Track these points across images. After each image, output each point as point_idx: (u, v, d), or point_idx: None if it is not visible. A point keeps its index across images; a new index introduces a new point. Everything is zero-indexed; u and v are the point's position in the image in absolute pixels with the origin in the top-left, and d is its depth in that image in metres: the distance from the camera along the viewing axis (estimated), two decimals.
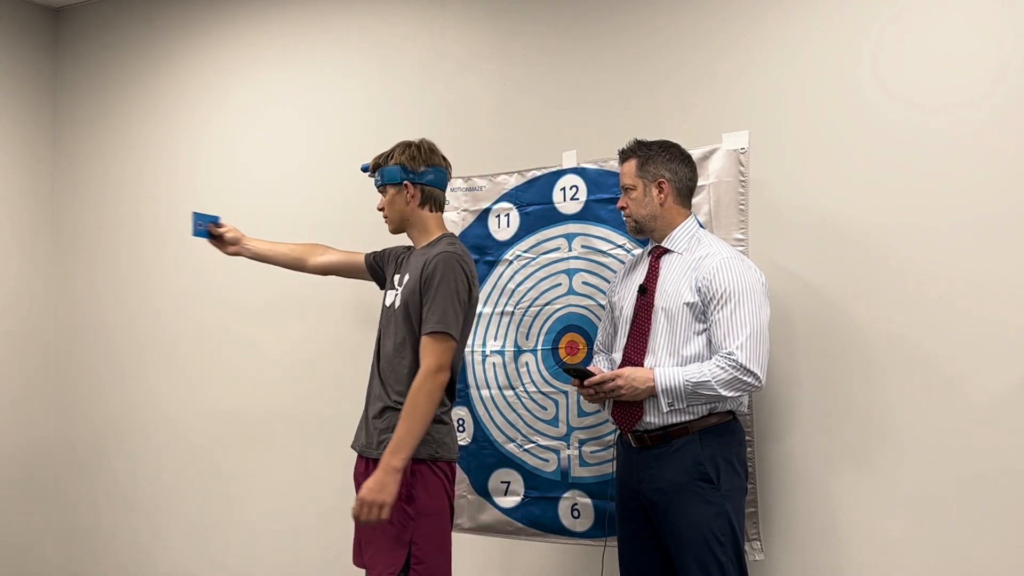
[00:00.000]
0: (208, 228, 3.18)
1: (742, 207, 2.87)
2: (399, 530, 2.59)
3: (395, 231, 2.85)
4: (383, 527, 2.57)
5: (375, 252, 3.03)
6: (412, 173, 2.74)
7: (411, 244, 2.86)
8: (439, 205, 2.81)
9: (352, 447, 2.82)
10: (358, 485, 2.72)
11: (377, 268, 3.02)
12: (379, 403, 2.70)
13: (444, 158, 2.82)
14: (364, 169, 2.89)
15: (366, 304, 3.62)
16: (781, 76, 2.99)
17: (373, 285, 3.09)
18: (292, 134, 3.94)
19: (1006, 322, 2.67)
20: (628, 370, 2.62)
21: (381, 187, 2.80)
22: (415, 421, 2.54)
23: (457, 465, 2.88)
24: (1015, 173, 2.68)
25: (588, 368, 2.77)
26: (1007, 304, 2.67)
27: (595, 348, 2.97)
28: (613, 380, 2.61)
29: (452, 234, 2.83)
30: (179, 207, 4.18)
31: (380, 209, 2.83)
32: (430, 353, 2.58)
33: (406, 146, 2.78)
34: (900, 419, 2.80)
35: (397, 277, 2.81)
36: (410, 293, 2.67)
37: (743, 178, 2.87)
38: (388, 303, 2.79)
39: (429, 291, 2.61)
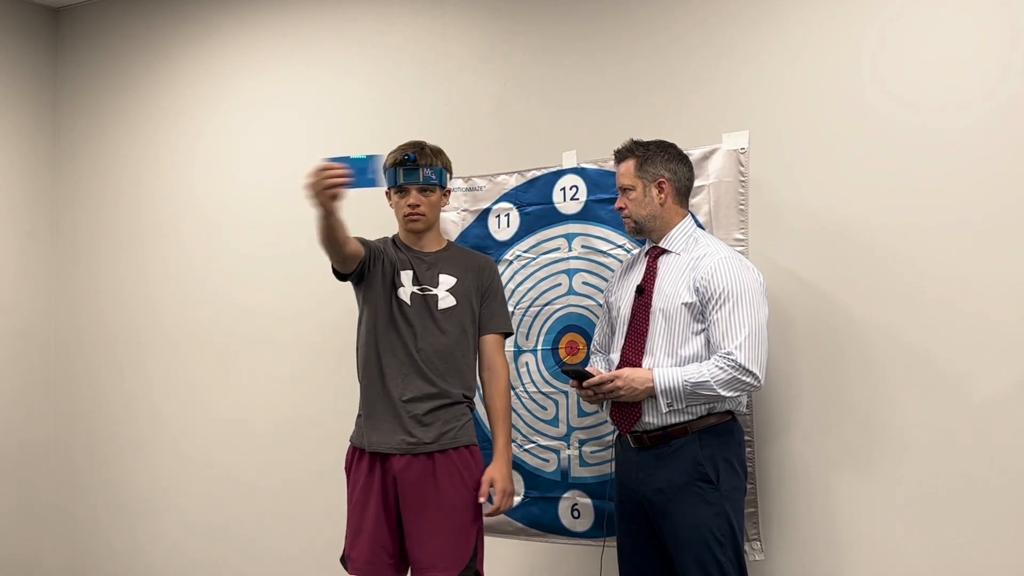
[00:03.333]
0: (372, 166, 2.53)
1: (742, 207, 2.87)
2: (472, 516, 2.68)
3: (424, 230, 2.77)
4: (448, 520, 2.63)
5: (365, 243, 2.79)
6: (449, 178, 2.82)
7: (386, 239, 2.82)
8: None
9: (376, 449, 2.71)
10: (408, 486, 2.66)
11: (367, 259, 2.77)
12: (432, 399, 2.68)
13: None
14: (409, 160, 2.69)
15: None
16: (781, 76, 2.99)
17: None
18: (292, 134, 3.94)
19: (1006, 322, 2.67)
20: (627, 371, 2.62)
21: (432, 186, 2.72)
22: (510, 416, 2.82)
23: None
24: (1015, 173, 2.68)
25: (586, 369, 2.77)
26: (1007, 304, 2.67)
27: (592, 349, 2.97)
28: (612, 381, 2.60)
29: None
30: (179, 207, 4.18)
31: (416, 206, 2.71)
32: (502, 352, 2.83)
33: (439, 150, 2.78)
34: (899, 419, 2.80)
35: (407, 275, 2.74)
36: (471, 293, 2.78)
37: (743, 178, 2.87)
38: (410, 300, 2.71)
39: (494, 295, 2.83)
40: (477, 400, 2.85)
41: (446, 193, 2.82)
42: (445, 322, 2.73)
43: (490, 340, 2.80)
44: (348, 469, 2.82)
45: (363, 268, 2.73)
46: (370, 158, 2.47)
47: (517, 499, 3.15)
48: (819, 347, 2.90)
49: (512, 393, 3.18)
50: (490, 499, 2.73)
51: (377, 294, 2.74)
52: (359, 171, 2.46)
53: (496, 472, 2.71)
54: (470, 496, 2.70)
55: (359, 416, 2.79)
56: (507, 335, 2.87)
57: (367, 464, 2.73)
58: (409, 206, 2.73)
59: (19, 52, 4.44)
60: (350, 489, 2.80)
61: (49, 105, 4.55)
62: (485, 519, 3.19)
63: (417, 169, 2.69)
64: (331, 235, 2.55)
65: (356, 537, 2.73)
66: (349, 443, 2.83)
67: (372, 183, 2.48)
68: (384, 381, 2.71)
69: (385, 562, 2.71)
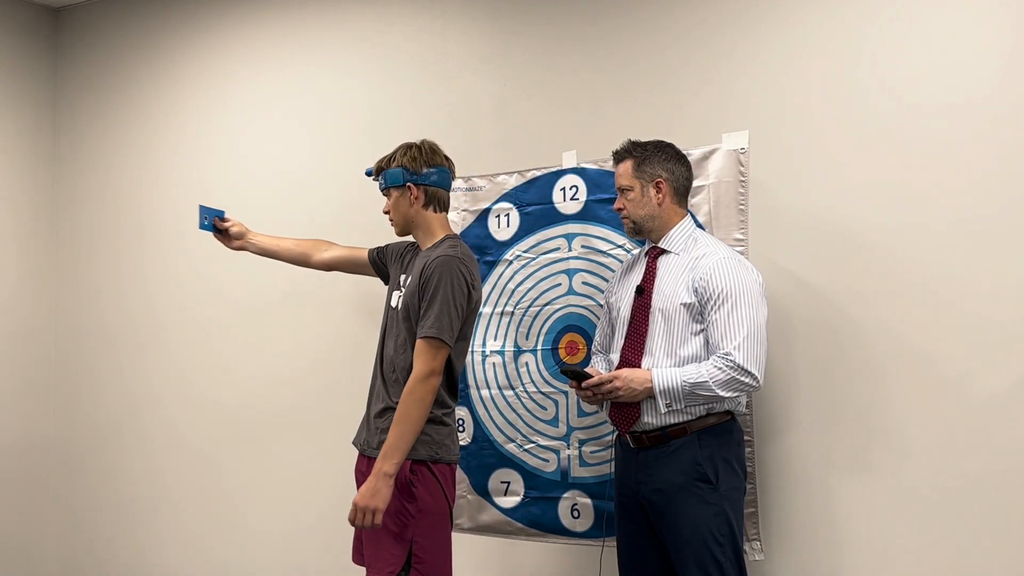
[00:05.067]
0: (214, 222, 3.19)
1: (742, 207, 2.87)
2: (400, 528, 2.60)
3: (401, 233, 2.84)
4: (384, 526, 2.58)
5: (378, 247, 3.04)
6: (414, 174, 2.74)
7: (413, 242, 2.88)
8: (443, 205, 2.81)
9: (353, 443, 2.85)
10: (359, 483, 2.74)
11: (380, 263, 3.02)
12: (380, 403, 2.72)
13: (447, 158, 2.82)
14: (368, 174, 2.89)
15: (367, 303, 3.63)
16: (781, 76, 2.99)
17: (375, 283, 3.10)
18: (293, 134, 3.94)
19: (1005, 321, 2.67)
20: (626, 371, 2.62)
21: (385, 190, 2.80)
22: (406, 426, 2.57)
23: (457, 466, 2.89)
24: (1015, 173, 2.67)
25: (585, 370, 2.77)
26: (1007, 304, 2.67)
27: (593, 349, 2.97)
28: (611, 382, 2.60)
29: (455, 235, 2.82)
30: (179, 207, 4.18)
31: (386, 212, 2.82)
32: (422, 358, 2.59)
33: (407, 147, 2.78)
34: (899, 419, 2.80)
35: (403, 278, 2.81)
36: (410, 295, 2.68)
37: (743, 178, 2.87)
38: (392, 304, 2.80)
39: (426, 294, 2.62)
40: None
41: (408, 187, 2.73)
42: (395, 327, 2.74)
43: (416, 344, 2.61)
44: None
45: (382, 274, 3.02)
46: (200, 208, 3.18)
47: (516, 499, 3.15)
48: (819, 347, 2.90)
49: (512, 393, 3.19)
50: None
51: (386, 300, 2.88)
52: (202, 217, 3.17)
53: (364, 485, 2.58)
54: (401, 505, 2.60)
55: None
56: (432, 339, 2.58)
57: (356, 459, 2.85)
58: (383, 212, 2.85)
59: (19, 52, 4.44)
60: None
61: (49, 105, 4.55)
62: (485, 519, 3.21)
63: (377, 179, 2.83)
64: (275, 259, 3.22)
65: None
66: None
67: (201, 226, 3.19)
68: (370, 383, 2.85)
69: (357, 550, 2.80)
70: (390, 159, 2.79)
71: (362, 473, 2.73)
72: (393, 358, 2.71)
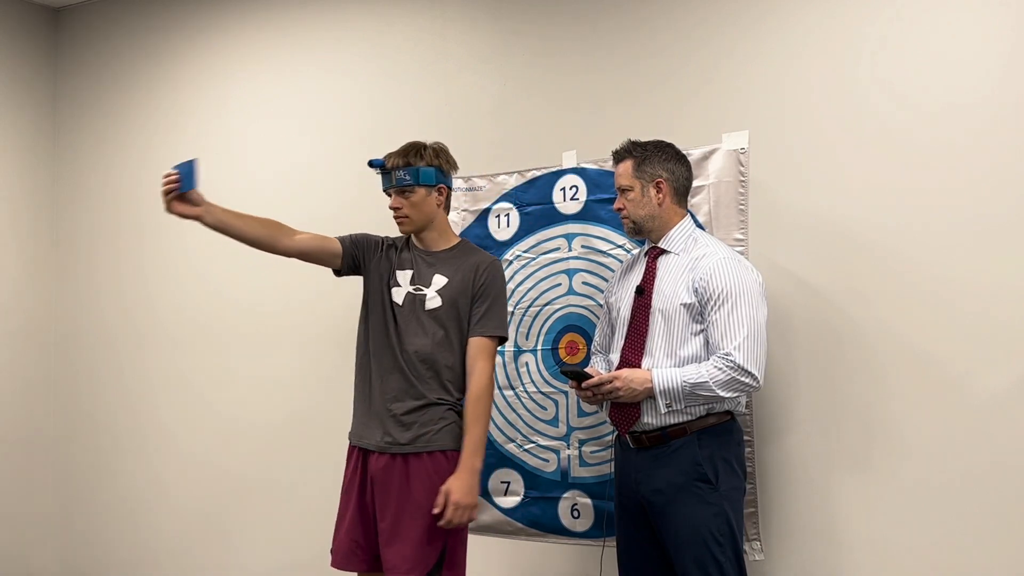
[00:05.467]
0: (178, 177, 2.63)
1: (742, 207, 2.87)
2: (433, 522, 2.61)
3: (413, 231, 2.78)
4: (415, 523, 2.60)
5: (351, 237, 2.85)
6: (447, 177, 2.77)
7: (397, 238, 2.84)
8: (450, 208, 2.86)
9: (360, 444, 2.75)
10: (380, 483, 2.68)
11: (353, 254, 2.83)
12: (413, 400, 2.68)
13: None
14: (376, 164, 2.76)
15: None
16: (781, 76, 2.99)
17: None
18: (292, 134, 3.94)
19: (1006, 322, 2.67)
20: (626, 372, 2.62)
21: (409, 187, 2.71)
22: (486, 424, 2.69)
23: None
24: (1015, 173, 2.68)
25: (585, 370, 2.77)
26: (1007, 304, 2.67)
27: (592, 349, 2.97)
28: (611, 382, 2.60)
29: (467, 239, 2.90)
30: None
31: (396, 208, 2.74)
32: (488, 356, 2.70)
33: (437, 149, 2.76)
34: (899, 419, 2.80)
35: (405, 275, 2.76)
36: (459, 295, 2.71)
37: (743, 178, 2.87)
38: (401, 301, 2.74)
39: (486, 296, 2.71)
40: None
41: (438, 189, 2.74)
42: (430, 324, 2.71)
43: (473, 343, 2.70)
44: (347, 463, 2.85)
45: (353, 264, 2.83)
46: (189, 162, 2.60)
47: (516, 499, 3.15)
48: (819, 347, 2.90)
49: (512, 393, 3.19)
50: None
51: (373, 293, 2.80)
52: (185, 175, 2.59)
53: (453, 483, 2.60)
54: (432, 500, 2.63)
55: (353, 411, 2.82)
56: (497, 339, 2.73)
57: (354, 459, 2.78)
58: (391, 208, 2.76)
59: (19, 52, 4.44)
60: (343, 482, 2.83)
61: (49, 105, 4.56)
62: (485, 519, 3.20)
63: (388, 173, 2.73)
64: (236, 237, 2.72)
65: (338, 529, 2.78)
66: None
67: (191, 186, 2.60)
68: (371, 379, 2.75)
69: (360, 557, 2.73)
70: (418, 155, 2.71)
71: (383, 472, 2.68)
72: (431, 354, 2.69)
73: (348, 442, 2.84)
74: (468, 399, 2.67)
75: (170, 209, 2.62)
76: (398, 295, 2.76)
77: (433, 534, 2.61)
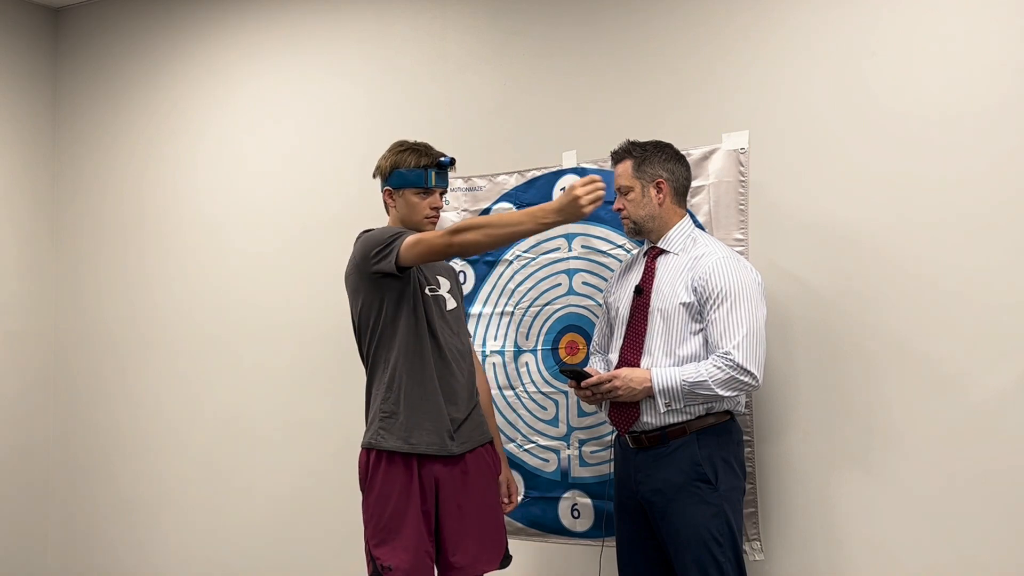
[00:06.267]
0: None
1: (742, 207, 2.87)
2: (500, 511, 2.81)
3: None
4: (486, 516, 2.70)
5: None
6: (383, 179, 2.83)
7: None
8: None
9: (423, 451, 2.61)
10: (450, 486, 2.65)
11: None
12: (474, 397, 2.77)
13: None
14: (450, 163, 2.74)
15: None
16: (781, 76, 2.99)
17: None
18: (292, 134, 3.94)
19: (1005, 321, 2.67)
20: (625, 371, 2.62)
21: (446, 188, 2.78)
22: None
23: None
24: (1015, 173, 2.67)
25: (584, 369, 2.77)
26: (1006, 304, 2.67)
27: (591, 349, 2.97)
28: (610, 381, 2.60)
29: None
30: (179, 207, 4.18)
31: (438, 208, 2.75)
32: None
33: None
34: (899, 418, 2.80)
35: (432, 277, 2.76)
36: (460, 296, 2.85)
37: (743, 178, 2.87)
38: (446, 304, 2.76)
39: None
40: None
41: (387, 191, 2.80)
42: (455, 323, 2.75)
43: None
44: (368, 473, 2.66)
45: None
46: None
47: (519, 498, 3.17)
48: (818, 347, 2.90)
49: (512, 393, 3.19)
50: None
51: (410, 294, 2.64)
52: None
53: (509, 474, 2.92)
54: (498, 490, 2.83)
55: (388, 417, 2.63)
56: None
57: (402, 467, 2.61)
58: (434, 208, 2.73)
59: (19, 52, 4.44)
60: (376, 494, 2.63)
61: (49, 105, 4.56)
62: None
63: (447, 172, 2.74)
64: (514, 240, 2.59)
65: (395, 544, 2.59)
66: (369, 447, 2.67)
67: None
68: (423, 381, 2.63)
69: (428, 566, 2.61)
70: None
71: (450, 472, 2.65)
72: (466, 347, 2.80)
73: (369, 450, 2.67)
74: (485, 395, 2.89)
75: (588, 212, 2.45)
76: (444, 295, 2.76)
77: (501, 521, 2.80)
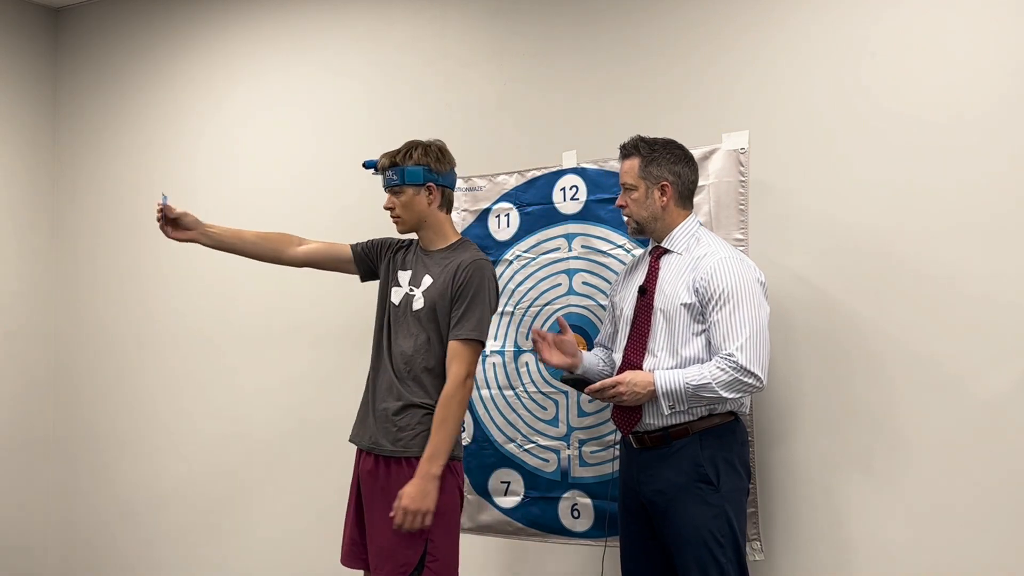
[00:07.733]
0: (162, 208, 2.83)
1: (742, 207, 2.87)
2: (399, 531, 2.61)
3: (407, 231, 2.80)
4: (389, 524, 2.59)
5: (363, 243, 2.93)
6: (436, 175, 2.73)
7: (411, 239, 2.86)
8: (451, 207, 2.83)
9: (353, 442, 2.82)
10: (365, 483, 2.73)
11: (367, 259, 2.91)
12: (396, 400, 2.69)
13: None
14: (369, 165, 2.81)
15: (368, 306, 3.62)
16: (781, 76, 2.99)
17: (374, 287, 3.08)
18: (292, 134, 3.94)
19: (1009, 322, 2.67)
20: (628, 375, 2.60)
21: (397, 186, 2.72)
22: (450, 429, 2.60)
23: None
24: (1016, 173, 2.67)
25: (584, 363, 2.78)
26: (1009, 304, 2.67)
27: (595, 343, 2.98)
28: (614, 387, 2.59)
29: (468, 239, 2.85)
30: (180, 206, 4.17)
31: (390, 208, 2.76)
32: (461, 360, 2.62)
33: (427, 147, 2.75)
34: (902, 419, 2.79)
35: (405, 275, 2.78)
36: (439, 296, 2.68)
37: (743, 178, 2.87)
38: (397, 301, 2.76)
39: (464, 297, 2.64)
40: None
41: (428, 187, 2.72)
42: (414, 325, 2.70)
43: (449, 346, 2.65)
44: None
45: (369, 269, 2.91)
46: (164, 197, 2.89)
47: (516, 499, 3.15)
48: (821, 347, 2.90)
49: (512, 393, 3.19)
50: None
51: (380, 293, 2.85)
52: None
53: (407, 488, 2.56)
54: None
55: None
56: (474, 342, 2.64)
57: (355, 458, 2.83)
58: (385, 208, 2.78)
59: (19, 52, 4.44)
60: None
61: (49, 105, 4.55)
62: (485, 519, 3.21)
63: (381, 174, 2.77)
64: (237, 253, 2.97)
65: (344, 528, 2.84)
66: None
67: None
68: (368, 380, 2.81)
69: (357, 555, 2.78)
70: (406, 155, 2.72)
71: (369, 473, 2.71)
72: (412, 357, 2.69)
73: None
74: (439, 402, 2.61)
75: (167, 235, 2.90)
76: (396, 295, 2.78)
77: (411, 537, 2.60)
